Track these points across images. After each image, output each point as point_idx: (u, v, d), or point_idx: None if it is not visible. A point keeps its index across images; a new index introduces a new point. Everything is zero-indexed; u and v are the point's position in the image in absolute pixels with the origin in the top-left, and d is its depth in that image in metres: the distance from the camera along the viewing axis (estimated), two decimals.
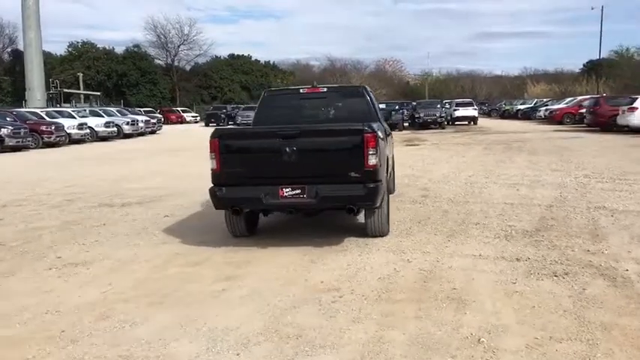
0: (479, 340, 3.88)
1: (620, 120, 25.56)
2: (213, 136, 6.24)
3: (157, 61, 69.53)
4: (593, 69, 67.22)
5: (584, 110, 32.12)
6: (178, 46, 69.78)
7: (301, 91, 7.98)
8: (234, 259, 6.20)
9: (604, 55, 58.48)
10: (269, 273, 5.64)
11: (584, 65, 75.52)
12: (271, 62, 78.14)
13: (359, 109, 7.74)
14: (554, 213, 8.04)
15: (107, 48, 67.00)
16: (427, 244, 6.50)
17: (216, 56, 73.68)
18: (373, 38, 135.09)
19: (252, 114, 36.19)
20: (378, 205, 6.20)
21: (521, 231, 7.00)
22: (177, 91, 67.89)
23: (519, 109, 47.73)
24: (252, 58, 76.70)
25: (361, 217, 7.13)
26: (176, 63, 70.46)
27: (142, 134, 36.36)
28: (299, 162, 6.04)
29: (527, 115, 44.32)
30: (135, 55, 65.79)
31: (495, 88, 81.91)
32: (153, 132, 39.22)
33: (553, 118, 36.08)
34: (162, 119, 46.76)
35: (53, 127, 26.30)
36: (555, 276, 5.21)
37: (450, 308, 4.50)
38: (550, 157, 15.86)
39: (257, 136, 6.46)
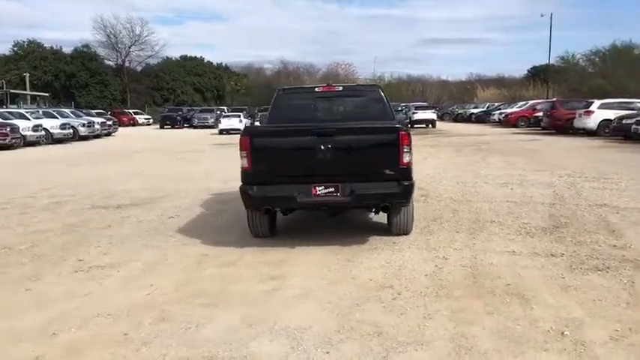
0: (562, 333, 3.95)
1: (577, 123, 26.50)
2: (245, 134, 6.13)
3: (107, 62, 67.79)
4: (538, 74, 69.59)
5: (538, 114, 33.18)
6: (129, 47, 68.27)
7: (317, 89, 7.93)
8: (266, 259, 6.11)
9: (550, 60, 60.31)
10: (311, 272, 5.58)
11: (528, 71, 78.11)
12: (224, 64, 77.34)
13: (375, 108, 7.74)
14: (560, 211, 8.25)
15: (54, 48, 64.88)
16: (454, 242, 6.56)
17: (168, 57, 72.46)
18: (320, 42, 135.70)
19: (209, 116, 35.73)
20: (410, 202, 6.22)
21: (539, 228, 7.16)
22: (128, 93, 66.36)
23: (473, 113, 48.83)
24: (205, 60, 75.73)
25: (375, 216, 7.15)
26: (127, 64, 68.84)
27: (97, 136, 35.35)
28: (333, 160, 6.01)
29: (481, 119, 45.40)
30: (84, 56, 63.96)
31: (444, 92, 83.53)
32: (108, 134, 38.20)
33: (508, 122, 37.07)
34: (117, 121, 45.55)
35: (8, 129, 25.20)
36: (599, 270, 5.35)
37: (515, 303, 4.55)
38: (523, 159, 16.28)
39: (291, 133, 6.38)
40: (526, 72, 77.87)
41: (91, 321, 4.47)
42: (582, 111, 25.77)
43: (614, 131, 23.59)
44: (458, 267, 5.59)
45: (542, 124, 30.06)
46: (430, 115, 38.54)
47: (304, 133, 6.23)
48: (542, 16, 48.97)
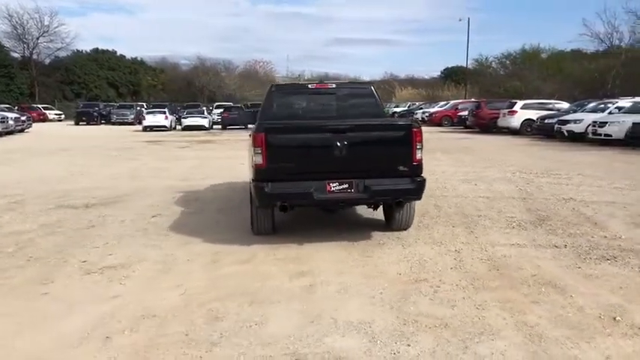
0: (614, 319, 4.21)
1: (501, 122, 27.85)
2: (259, 130, 6.06)
3: (13, 54, 63.80)
4: (451, 75, 72.45)
5: (461, 113, 34.55)
6: (37, 38, 64.54)
7: (310, 86, 7.93)
8: (279, 256, 6.09)
9: (461, 62, 62.76)
10: (335, 268, 5.63)
11: (442, 72, 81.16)
12: (139, 59, 74.91)
13: (368, 105, 7.86)
14: (534, 205, 8.70)
15: None
16: (457, 236, 6.80)
17: (79, 50, 69.19)
18: (233, 39, 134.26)
19: (128, 112, 34.66)
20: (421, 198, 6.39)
21: (526, 221, 7.53)
22: (37, 87, 62.80)
23: (395, 112, 49.99)
24: (117, 54, 73.00)
25: (367, 212, 7.46)
26: (35, 56, 65.09)
27: (11, 132, 33.30)
28: (347, 156, 6.06)
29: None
30: None
31: None
32: (22, 131, 36.03)
33: (432, 121, 38.31)
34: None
35: None
36: (607, 260, 5.72)
37: (552, 292, 4.80)
38: (467, 156, 16.94)
39: (306, 130, 6.36)
40: (439, 73, 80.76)
41: (140, 323, 4.31)
42: (506, 111, 27.10)
43: (538, 130, 24.99)
44: (476, 260, 5.79)
45: (468, 122, 31.31)
46: None
47: (320, 130, 6.24)
48: (460, 20, 50.97)
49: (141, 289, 5.09)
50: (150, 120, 37.44)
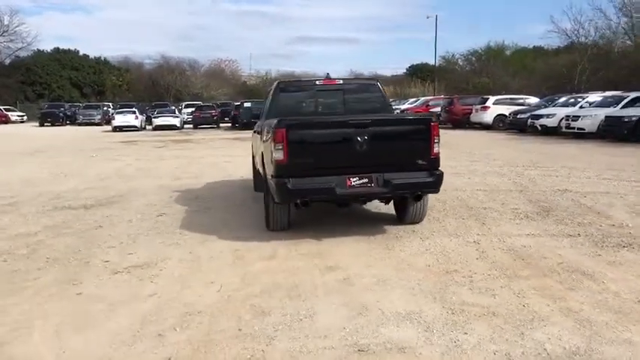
0: None
1: (474, 118, 28.33)
2: (280, 126, 6.06)
3: None
4: (416, 72, 73.20)
5: (433, 109, 34.95)
6: None
7: (317, 82, 7.96)
8: (302, 251, 6.12)
9: (426, 59, 63.54)
10: (362, 261, 5.68)
11: (407, 69, 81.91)
12: (102, 58, 73.49)
13: (375, 101, 7.94)
14: (533, 196, 8.91)
15: None
16: (470, 228, 6.93)
17: (39, 50, 67.52)
18: (194, 38, 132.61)
19: (95, 112, 34.00)
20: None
21: (532, 212, 7.71)
22: None
23: None
24: (80, 53, 71.48)
25: (371, 206, 7.62)
26: None
27: None
28: (367, 151, 6.12)
29: None
30: None
31: None
32: None
33: None
34: None
35: None
36: (624, 247, 5.93)
37: (584, 279, 4.95)
38: (449, 151, 17.02)
39: (327, 125, 6.40)
40: (405, 70, 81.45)
41: (187, 319, 4.30)
42: (479, 106, 27.57)
43: (510, 125, 25.48)
44: (498, 250, 5.92)
45: (441, 118, 31.66)
46: None
47: (341, 125, 6.28)
48: (427, 17, 51.55)
49: (175, 287, 5.06)
50: (120, 120, 36.86)
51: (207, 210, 8.59)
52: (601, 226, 6.87)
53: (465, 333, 3.89)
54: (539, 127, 22.70)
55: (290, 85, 8.08)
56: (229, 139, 26.92)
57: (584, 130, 20.57)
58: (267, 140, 6.60)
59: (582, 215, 7.45)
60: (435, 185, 6.33)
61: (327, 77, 8.03)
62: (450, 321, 4.11)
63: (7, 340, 4.02)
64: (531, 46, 55.46)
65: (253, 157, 9.94)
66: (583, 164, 13.03)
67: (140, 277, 5.39)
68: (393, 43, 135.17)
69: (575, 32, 36.48)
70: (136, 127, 36.84)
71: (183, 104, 50.61)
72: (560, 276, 5.04)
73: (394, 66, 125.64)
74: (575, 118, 21.12)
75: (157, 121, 37.08)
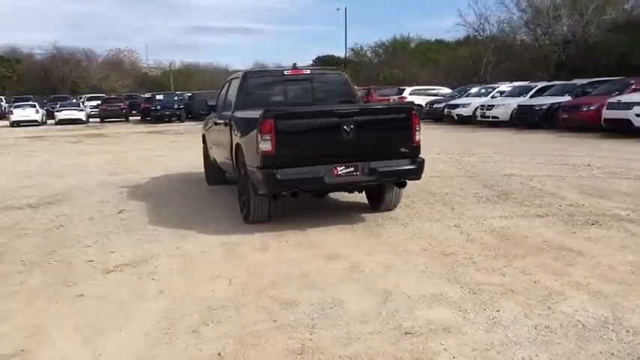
0: None
1: None
2: (267, 116, 6.00)
3: None
4: (323, 64, 73.87)
5: None
6: None
7: (285, 72, 7.91)
8: (291, 242, 6.11)
9: (332, 51, 64.33)
10: (358, 249, 5.76)
11: (313, 61, 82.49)
12: None
13: (342, 91, 8.02)
14: (485, 181, 9.36)
15: None
16: (443, 213, 7.20)
17: None
18: (87, 27, 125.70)
19: (31, 111, 31.36)
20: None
21: (492, 196, 8.11)
22: None
23: None
24: None
25: (337, 195, 7.77)
26: None
27: None
28: (353, 140, 6.19)
29: None
30: None
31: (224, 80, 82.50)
32: None
33: None
34: None
35: None
36: (592, 224, 6.36)
37: (574, 255, 5.27)
38: None
39: (315, 115, 6.39)
40: (312, 62, 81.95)
41: (214, 314, 4.22)
42: (396, 97, 28.33)
43: (427, 115, 26.38)
44: (481, 232, 6.19)
45: None
46: None
47: (327, 114, 6.31)
48: (337, 9, 52.04)
49: (180, 283, 4.92)
50: (19, 114, 34.72)
51: (168, 205, 8.33)
52: (560, 206, 7.32)
53: (497, 310, 4.06)
54: (456, 117, 23.69)
55: (258, 75, 7.96)
56: (146, 132, 26.07)
57: (498, 118, 21.70)
58: (247, 131, 6.49)
59: (539, 197, 7.91)
60: (417, 172, 6.50)
61: (294, 67, 7.99)
62: (476, 300, 4.27)
63: (28, 347, 3.77)
64: (433, 39, 57.59)
65: (207, 150, 9.72)
66: (511, 150, 13.79)
67: (136, 275, 5.18)
68: (296, 34, 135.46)
69: (481, 25, 38.40)
70: (36, 121, 34.83)
71: (85, 97, 48.21)
72: (551, 253, 5.35)
73: (299, 58, 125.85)
74: (490, 107, 22.23)
75: (61, 115, 35.18)
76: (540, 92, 21.78)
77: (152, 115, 33.76)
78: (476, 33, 39.33)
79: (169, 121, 33.75)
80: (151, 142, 20.43)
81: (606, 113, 16.71)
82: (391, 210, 7.28)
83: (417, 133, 6.49)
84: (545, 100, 20.21)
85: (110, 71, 74.95)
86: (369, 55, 55.72)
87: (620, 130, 16.28)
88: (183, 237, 6.41)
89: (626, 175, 9.46)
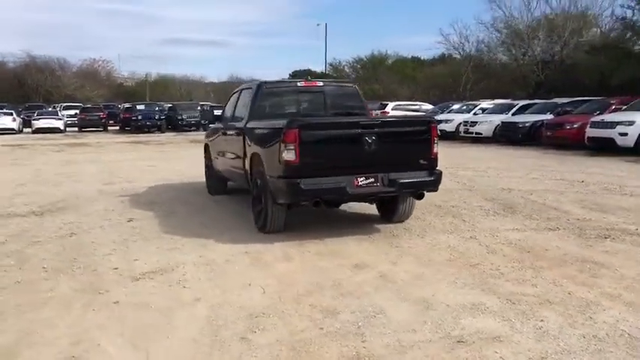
0: None
1: None
2: (292, 126, 6.05)
3: None
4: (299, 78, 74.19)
5: None
6: None
7: (299, 84, 7.97)
8: (314, 251, 6.13)
9: (309, 66, 64.56)
10: (382, 259, 5.81)
11: (290, 75, 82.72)
12: None
13: (353, 103, 8.12)
14: (487, 194, 9.51)
15: None
16: (456, 225, 7.30)
17: None
18: (57, 36, 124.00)
19: (7, 119, 30.61)
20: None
21: (499, 209, 8.25)
22: None
23: None
24: None
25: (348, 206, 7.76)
26: None
27: None
28: (374, 151, 6.27)
29: None
30: None
31: (203, 92, 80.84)
32: None
33: None
34: None
35: None
36: (605, 238, 6.51)
37: (597, 267, 5.38)
38: None
39: (338, 126, 6.45)
40: (288, 76, 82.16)
41: (260, 322, 4.22)
42: (379, 112, 28.54)
43: None
44: (499, 244, 6.30)
45: None
46: None
47: (350, 125, 6.37)
48: (318, 25, 52.46)
49: (214, 291, 4.91)
50: None
51: (176, 214, 8.29)
52: (568, 220, 7.48)
53: (541, 320, 4.14)
54: (439, 132, 23.90)
55: (272, 85, 8.00)
56: (129, 142, 25.82)
57: (481, 134, 22.06)
58: (268, 141, 6.53)
59: (544, 211, 8.07)
60: (435, 184, 6.60)
61: (307, 79, 8.05)
62: (517, 310, 4.34)
63: (78, 355, 3.72)
64: (410, 56, 58.37)
65: (210, 160, 9.71)
66: (502, 165, 14.04)
67: (167, 282, 5.15)
68: (271, 48, 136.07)
69: (461, 44, 39.07)
70: (13, 129, 34.27)
71: (61, 105, 47.54)
72: (575, 266, 5.46)
73: (272, 71, 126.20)
74: (473, 123, 22.59)
75: (38, 124, 34.63)
76: (522, 110, 22.23)
77: (132, 125, 33.50)
78: (456, 51, 39.97)
79: (149, 132, 33.51)
80: (137, 152, 20.25)
81: (590, 132, 17.11)
82: (402, 221, 7.35)
83: (436, 145, 6.59)
84: (528, 118, 20.62)
85: (85, 81, 74.13)
86: (347, 71, 56.06)
87: (604, 148, 16.68)
88: (203, 246, 6.38)
89: (621, 192, 9.69)
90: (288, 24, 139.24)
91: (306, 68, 79.05)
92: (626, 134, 16.04)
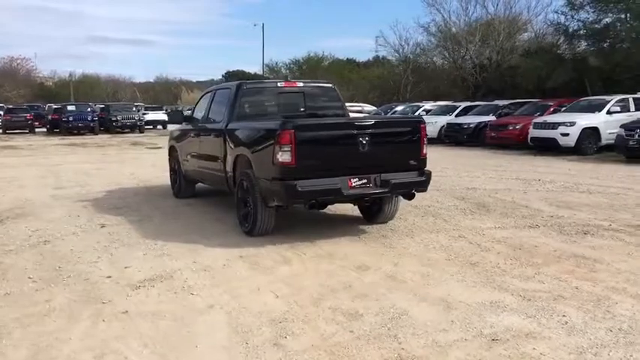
0: None
1: None
2: (287, 127, 5.95)
3: None
4: (232, 79, 73.47)
5: None
6: None
7: (279, 84, 7.85)
8: (311, 254, 6.04)
9: (243, 66, 63.98)
10: (383, 260, 5.81)
11: (223, 76, 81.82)
12: None
13: (333, 104, 8.08)
14: (457, 194, 9.69)
15: None
16: (438, 224, 7.40)
17: None
18: None
19: None
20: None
21: (474, 209, 8.41)
22: None
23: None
24: None
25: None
26: None
27: None
28: (368, 152, 6.26)
29: None
30: None
31: (130, 92, 78.36)
32: None
33: None
34: None
35: None
36: (585, 234, 6.74)
37: (591, 263, 5.55)
38: None
39: (333, 127, 6.38)
40: (221, 77, 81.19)
41: (286, 327, 4.12)
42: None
43: None
44: (489, 242, 6.41)
45: None
46: (161, 116, 37.93)
47: (345, 126, 6.33)
48: (254, 25, 52.20)
49: (223, 297, 4.77)
50: None
51: (150, 219, 7.99)
52: (542, 217, 7.73)
53: (563, 315, 4.23)
54: None
55: (253, 86, 7.83)
56: (64, 145, 24.78)
57: (427, 135, 22.41)
58: (258, 142, 6.40)
59: (516, 209, 8.30)
60: (425, 184, 6.65)
61: (287, 79, 7.95)
62: (536, 306, 4.43)
63: None
64: (345, 58, 58.94)
65: (177, 162, 9.43)
66: (456, 165, 14.37)
67: (171, 290, 4.95)
68: (199, 49, 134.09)
69: (401, 47, 39.72)
70: None
71: None
72: (569, 261, 5.63)
73: (202, 72, 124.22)
74: None
75: None
76: (465, 111, 22.85)
77: (63, 127, 32.09)
78: (396, 54, 40.62)
79: (80, 134, 32.20)
80: (77, 155, 19.45)
81: (533, 132, 17.79)
82: (385, 222, 7.36)
83: (425, 146, 6.63)
84: (472, 119, 21.21)
85: (4, 80, 70.51)
86: (284, 72, 55.90)
87: (546, 148, 17.38)
88: (193, 251, 6.17)
89: (578, 190, 10.10)
90: (217, 25, 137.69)
91: (239, 69, 78.50)
92: (567, 134, 16.76)
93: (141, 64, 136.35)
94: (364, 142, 6.20)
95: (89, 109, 33.54)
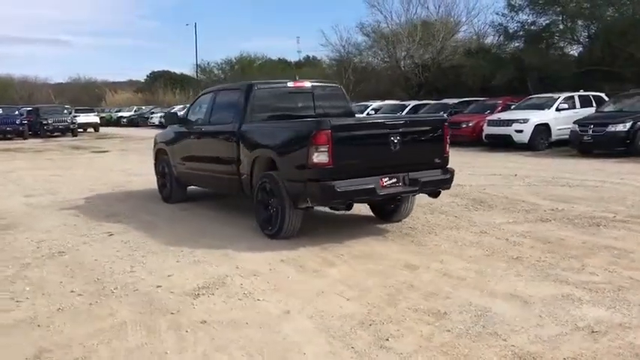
0: None
1: None
2: (323, 127, 5.86)
3: None
4: (156, 80, 71.64)
5: None
6: None
7: (289, 85, 7.73)
8: (347, 255, 5.99)
9: (167, 67, 62.62)
10: (427, 258, 5.82)
11: (148, 76, 79.63)
12: None
13: (340, 104, 8.04)
14: (451, 191, 9.81)
15: None
16: (453, 221, 7.49)
17: None
18: None
19: None
20: None
21: (474, 205, 8.58)
22: None
23: (123, 117, 47.95)
24: None
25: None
26: None
27: None
28: (399, 151, 6.27)
29: (135, 123, 45.04)
30: None
31: (46, 94, 74.09)
32: None
33: None
34: None
35: None
36: (597, 226, 6.97)
37: (623, 255, 5.74)
38: None
39: (368, 126, 6.33)
40: (146, 77, 79.02)
41: (382, 329, 4.07)
42: None
43: None
44: (515, 236, 6.55)
45: None
46: (92, 118, 36.58)
47: (378, 126, 6.31)
48: (187, 25, 51.26)
49: (294, 301, 4.66)
50: None
51: (155, 225, 7.68)
52: (545, 211, 7.97)
53: (579, 307, 4.36)
54: None
55: (264, 87, 7.64)
56: (10, 150, 23.39)
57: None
58: (288, 143, 6.29)
59: (516, 204, 8.53)
60: (449, 182, 6.73)
61: (296, 80, 7.84)
62: (607, 297, 4.56)
63: None
64: (277, 59, 58.93)
65: (167, 166, 9.12)
66: None
67: (234, 296, 4.81)
68: (116, 49, 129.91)
69: (343, 47, 39.95)
70: None
71: None
72: (606, 253, 5.81)
73: (115, 72, 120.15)
74: None
75: None
76: (414, 111, 23.24)
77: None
78: (337, 53, 40.86)
79: (6, 138, 30.41)
80: (22, 161, 18.42)
81: (488, 129, 18.37)
82: (400, 220, 7.39)
83: (447, 145, 6.70)
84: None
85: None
86: (216, 72, 55.21)
87: (501, 144, 17.98)
88: (226, 256, 5.99)
89: (558, 183, 10.52)
90: (134, 25, 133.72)
91: (164, 69, 76.66)
92: (521, 131, 17.40)
93: (57, 65, 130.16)
94: (395, 141, 6.19)
95: (17, 112, 31.73)
